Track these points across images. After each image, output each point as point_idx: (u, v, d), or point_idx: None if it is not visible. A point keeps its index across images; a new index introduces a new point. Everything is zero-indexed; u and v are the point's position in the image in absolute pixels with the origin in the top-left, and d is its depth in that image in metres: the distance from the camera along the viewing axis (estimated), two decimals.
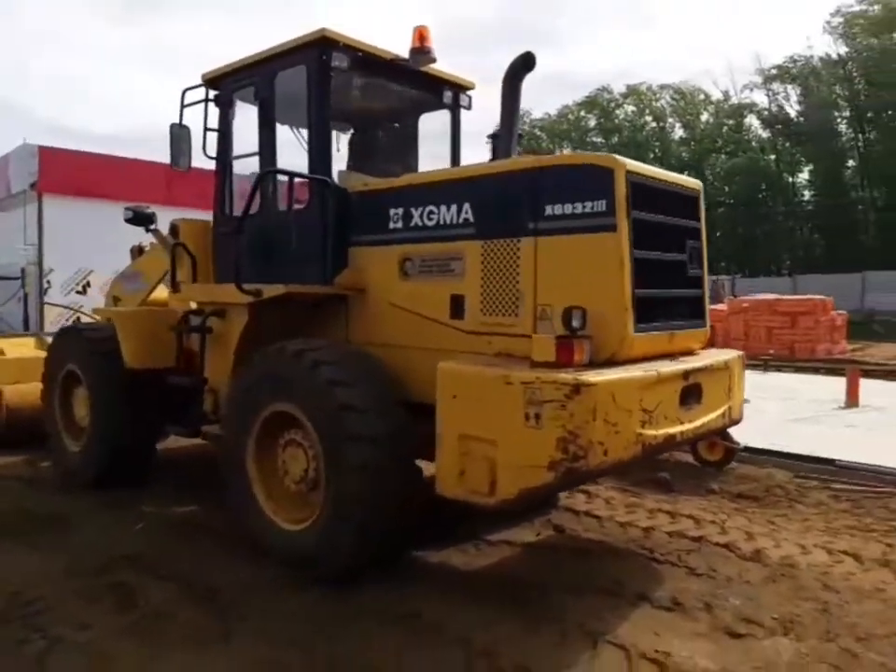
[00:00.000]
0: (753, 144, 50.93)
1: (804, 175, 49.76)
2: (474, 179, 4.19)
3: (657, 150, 54.77)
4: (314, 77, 4.75)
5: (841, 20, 45.44)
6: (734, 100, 52.70)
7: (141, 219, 5.84)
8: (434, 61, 5.00)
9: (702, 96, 54.15)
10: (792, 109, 48.18)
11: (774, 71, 46.91)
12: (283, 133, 5.42)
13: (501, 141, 4.59)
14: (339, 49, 4.69)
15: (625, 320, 3.61)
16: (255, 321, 4.88)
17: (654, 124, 56.04)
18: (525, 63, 4.48)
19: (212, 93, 5.57)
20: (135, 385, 5.84)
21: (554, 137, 58.23)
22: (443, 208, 4.29)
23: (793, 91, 47.64)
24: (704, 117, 54.74)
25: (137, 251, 7.09)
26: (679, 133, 55.56)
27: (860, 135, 45.09)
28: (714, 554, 4.47)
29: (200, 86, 5.57)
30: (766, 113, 49.50)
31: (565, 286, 3.75)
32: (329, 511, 4.00)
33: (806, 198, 49.57)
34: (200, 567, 4.33)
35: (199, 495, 5.93)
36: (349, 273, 4.80)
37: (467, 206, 4.17)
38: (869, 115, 45.16)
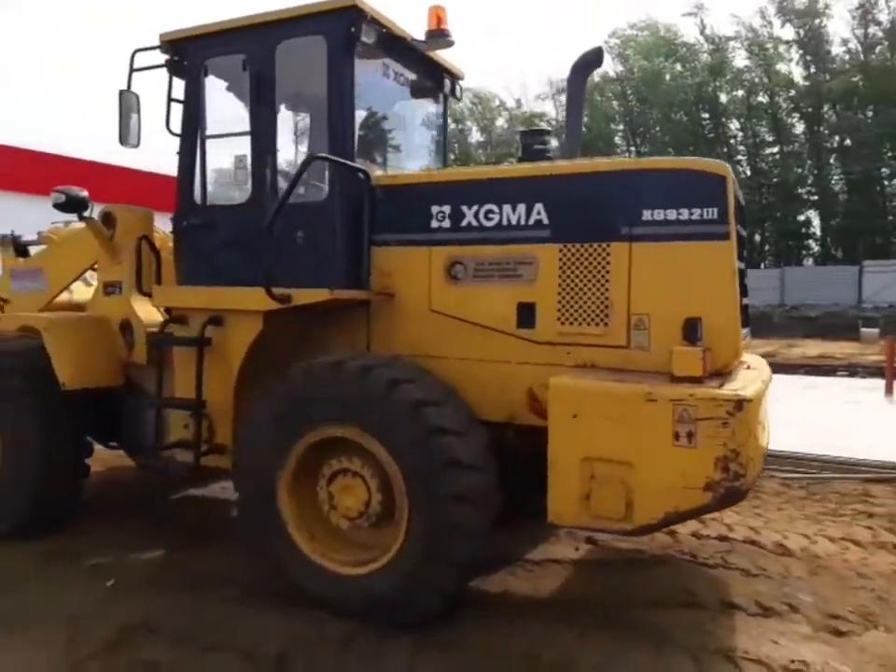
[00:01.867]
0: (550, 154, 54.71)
1: None
2: (550, 178, 3.89)
3: (457, 152, 56.73)
4: (337, 50, 4.11)
5: (617, 41, 50.53)
6: (525, 108, 56.29)
7: (75, 204, 4.70)
8: (452, 44, 4.60)
9: (497, 102, 57.06)
10: None
11: (564, 84, 50.61)
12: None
13: (568, 138, 4.34)
14: (368, 21, 4.11)
15: (738, 329, 3.56)
16: (266, 331, 4.14)
17: (454, 125, 57.91)
18: (595, 59, 4.27)
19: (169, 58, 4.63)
20: (63, 410, 4.75)
21: None
22: (507, 208, 3.93)
23: None
24: (499, 122, 57.77)
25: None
26: (476, 136, 58.12)
27: (632, 148, 50.37)
28: (749, 553, 4.63)
29: (155, 48, 4.61)
30: (555, 123, 53.39)
31: (665, 295, 3.61)
32: (414, 547, 3.50)
33: None
34: (245, 630, 3.59)
35: (155, 530, 5.01)
36: (374, 276, 4.25)
37: (539, 207, 3.86)
38: (640, 129, 50.78)
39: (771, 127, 48.45)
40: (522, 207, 3.90)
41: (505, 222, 3.94)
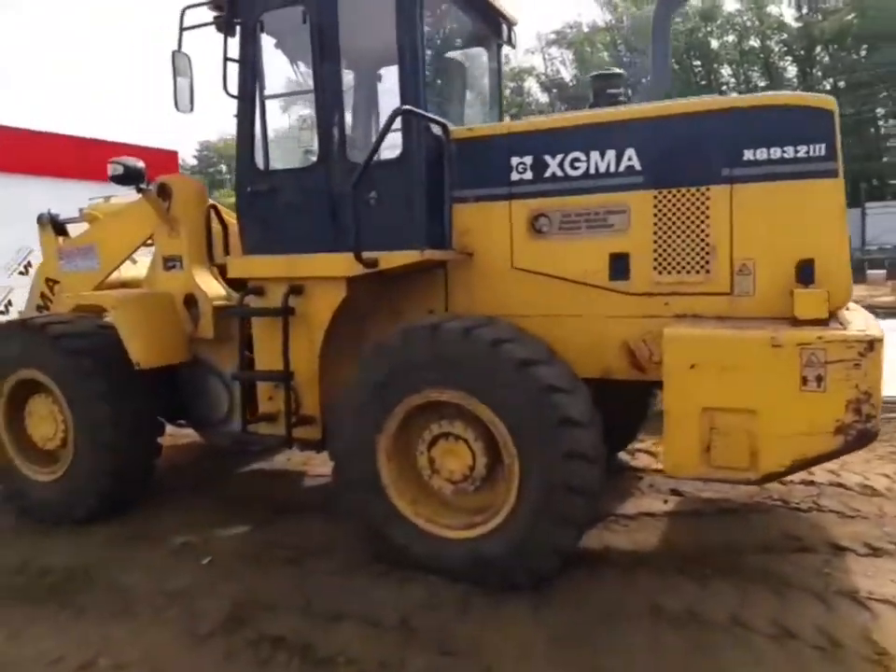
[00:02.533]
0: (533, 107, 53.84)
1: None
2: (641, 121, 3.73)
3: None
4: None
5: None
6: (514, 63, 55.20)
7: (133, 176, 4.52)
8: None
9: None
10: (568, 73, 51.62)
11: (553, 36, 49.71)
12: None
13: (654, 80, 4.17)
14: None
15: (849, 270, 3.45)
16: (351, 297, 4.03)
17: None
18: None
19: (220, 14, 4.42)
20: (135, 389, 4.65)
21: None
22: (595, 155, 3.79)
23: (568, 57, 50.97)
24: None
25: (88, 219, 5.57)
26: None
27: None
28: (837, 495, 4.61)
29: (204, 4, 4.39)
30: (544, 77, 52.52)
31: (772, 238, 3.49)
32: (528, 507, 3.44)
33: None
34: (359, 598, 3.56)
35: (230, 506, 4.97)
36: (461, 234, 4.12)
37: (630, 152, 3.72)
38: (631, 80, 49.93)
39: (763, 71, 47.79)
40: (611, 154, 3.75)
41: (593, 170, 3.80)
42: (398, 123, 3.99)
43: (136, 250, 5.16)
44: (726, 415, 3.22)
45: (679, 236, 3.66)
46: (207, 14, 4.47)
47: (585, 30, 49.25)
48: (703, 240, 3.62)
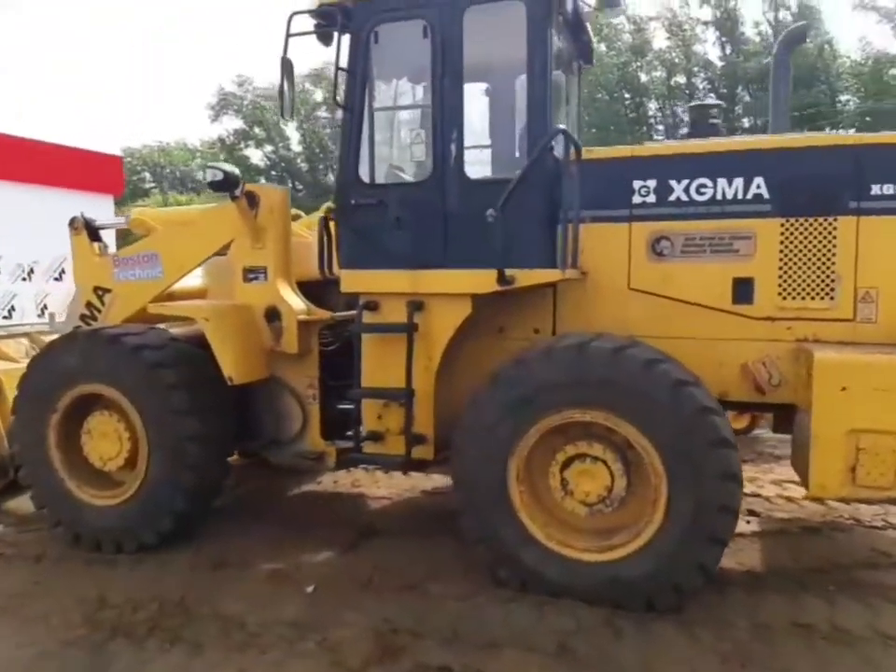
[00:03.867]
0: None
1: None
2: (771, 152, 3.87)
3: None
4: (539, 17, 3.93)
5: None
6: None
7: (231, 182, 4.30)
8: (624, 12, 4.49)
9: None
10: None
11: None
12: None
13: (774, 115, 4.32)
14: None
15: None
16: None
17: None
18: (801, 36, 4.26)
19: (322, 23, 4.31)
20: (214, 403, 4.43)
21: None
22: (722, 182, 3.90)
23: None
24: None
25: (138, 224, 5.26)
26: None
27: None
28: None
29: (312, 11, 4.27)
30: None
31: (892, 268, 3.69)
32: (676, 527, 3.46)
33: None
34: (504, 623, 3.49)
35: (303, 528, 4.80)
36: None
37: (759, 181, 3.84)
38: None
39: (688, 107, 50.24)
40: (739, 181, 3.87)
41: (720, 196, 3.91)
42: (508, 141, 4.01)
43: (206, 260, 4.91)
44: (874, 437, 3.35)
45: (804, 263, 3.81)
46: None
47: None
48: (829, 268, 3.77)
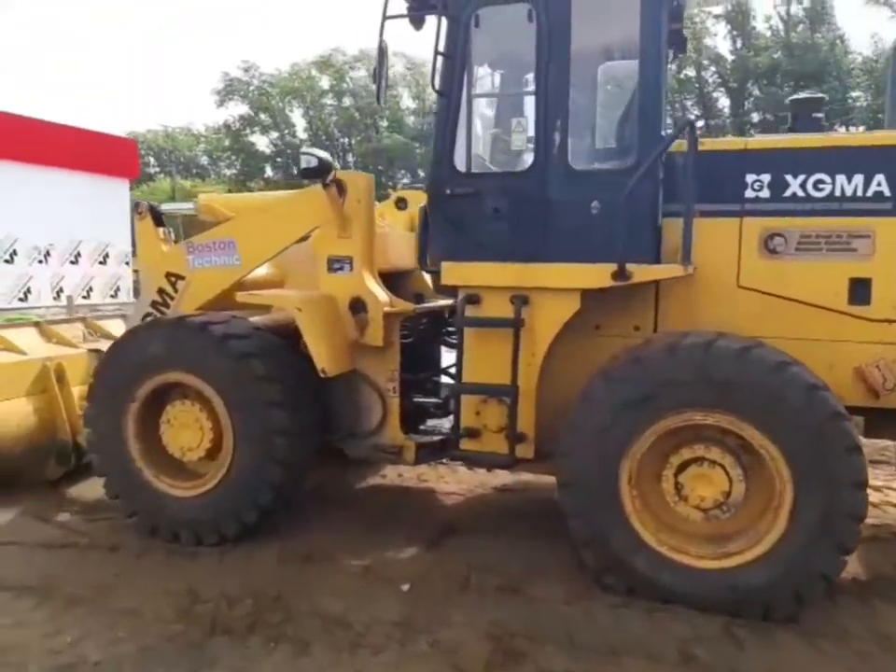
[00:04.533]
0: None
1: None
2: (894, 148, 3.75)
3: (389, 118, 55.61)
4: (651, 6, 3.79)
5: None
6: None
7: (326, 170, 4.16)
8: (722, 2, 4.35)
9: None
10: None
11: None
12: None
13: (890, 120, 4.20)
14: None
15: None
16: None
17: (386, 92, 56.46)
18: None
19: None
20: (303, 395, 4.33)
21: (286, 95, 55.57)
22: (841, 178, 3.77)
23: None
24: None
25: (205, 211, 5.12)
26: (408, 102, 56.98)
27: None
28: None
29: None
30: None
31: None
32: (802, 534, 3.37)
33: None
34: (616, 630, 3.40)
35: (385, 522, 4.74)
36: (667, 249, 4.01)
37: (880, 178, 3.72)
38: None
39: (698, 101, 49.95)
40: (859, 178, 3.75)
41: (838, 193, 3.78)
42: (627, 129, 3.88)
43: (287, 248, 4.77)
44: None
45: None
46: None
47: None
48: None
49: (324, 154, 4.18)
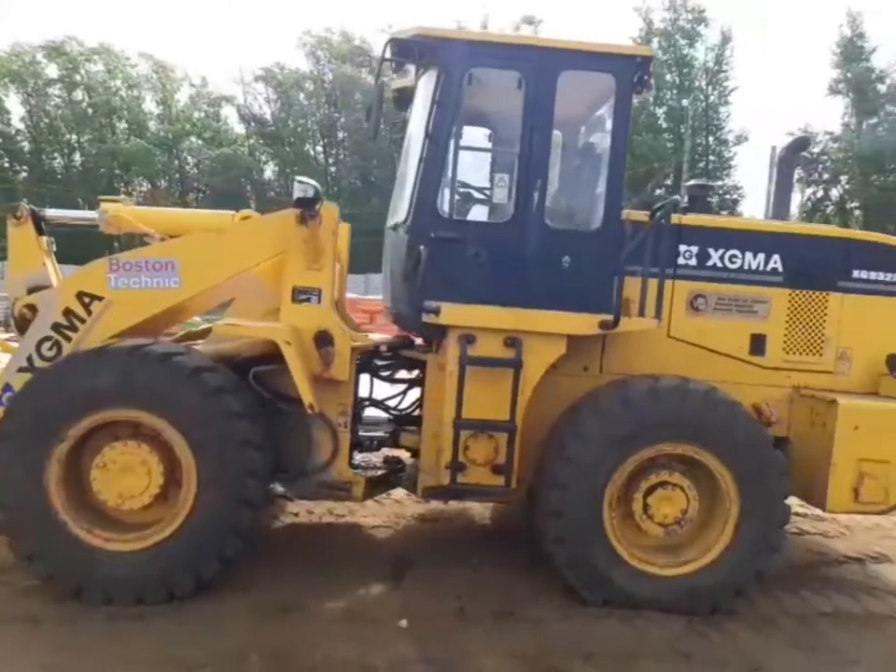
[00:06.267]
0: (230, 135, 52.50)
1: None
2: (787, 236, 4.77)
3: (128, 120, 51.26)
4: (624, 94, 4.39)
5: (312, 39, 50.82)
6: (211, 87, 53.43)
7: (317, 199, 4.02)
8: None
9: (181, 75, 53.03)
10: (269, 111, 51.51)
11: (261, 72, 49.33)
12: None
13: (776, 208, 5.20)
14: (649, 70, 4.47)
15: None
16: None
17: (127, 92, 52.12)
18: (800, 147, 5.20)
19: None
20: (268, 432, 4.16)
21: (2, 77, 48.23)
22: (748, 254, 4.71)
23: (272, 95, 50.96)
24: (181, 97, 53.74)
25: None
26: (151, 107, 53.10)
27: (327, 149, 51.37)
28: None
29: (409, 40, 4.26)
30: (246, 110, 51.71)
31: (862, 334, 4.80)
32: (744, 542, 4.13)
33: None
34: (652, 643, 3.85)
35: (337, 562, 4.59)
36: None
37: (776, 257, 4.72)
38: (329, 136, 51.75)
39: None
40: (762, 256, 4.72)
41: (747, 266, 4.72)
42: (598, 197, 4.46)
43: (239, 274, 4.47)
44: (872, 465, 4.34)
45: (804, 326, 4.76)
46: None
47: (290, 75, 49.91)
48: (820, 331, 4.77)
49: (315, 183, 4.09)
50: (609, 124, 4.45)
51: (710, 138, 45.90)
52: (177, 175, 51.40)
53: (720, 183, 43.10)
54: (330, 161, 51.19)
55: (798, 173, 39.74)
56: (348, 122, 49.68)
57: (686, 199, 5.27)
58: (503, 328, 4.21)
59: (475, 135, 5.00)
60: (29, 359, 4.31)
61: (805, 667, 3.71)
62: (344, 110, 49.55)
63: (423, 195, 4.34)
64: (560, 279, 4.37)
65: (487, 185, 4.82)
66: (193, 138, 51.54)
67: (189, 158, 51.01)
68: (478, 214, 4.83)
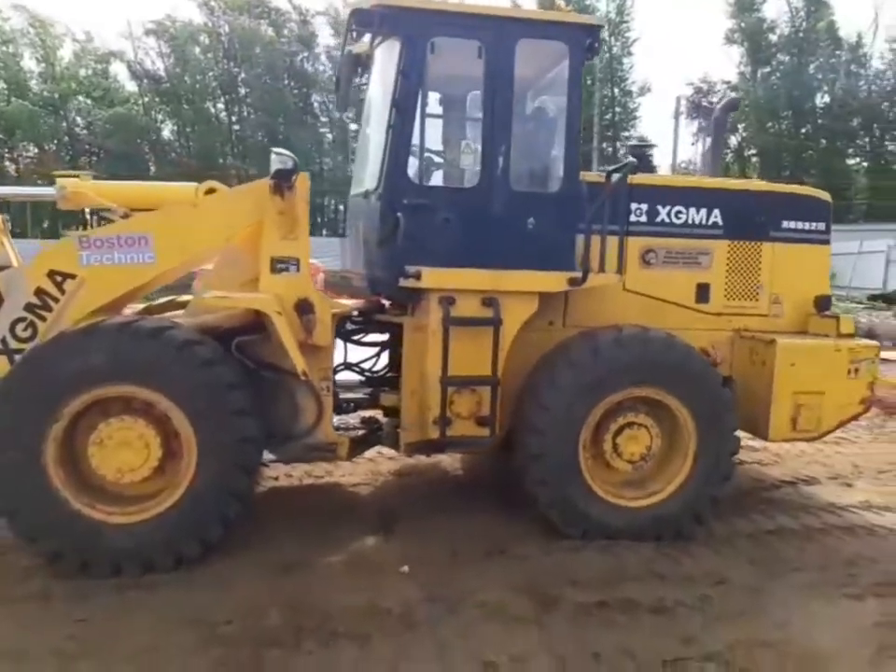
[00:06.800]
0: (123, 93, 49.54)
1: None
2: (725, 191, 5.21)
3: (6, 80, 47.42)
4: (577, 61, 4.64)
5: None
6: (97, 43, 50.04)
7: (295, 171, 4.08)
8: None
9: (62, 30, 49.31)
10: (163, 67, 48.77)
11: (151, 25, 46.52)
12: None
13: (710, 165, 5.60)
14: (598, 37, 4.72)
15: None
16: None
17: (2, 48, 48.04)
18: (732, 107, 5.59)
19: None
20: (258, 399, 4.30)
21: None
22: (692, 210, 5.13)
23: (165, 49, 48.21)
24: (64, 53, 50.06)
25: None
26: (31, 65, 49.25)
27: (229, 106, 49.32)
28: None
29: (371, 10, 4.34)
30: (138, 66, 48.78)
31: (791, 279, 5.34)
32: (701, 471, 4.61)
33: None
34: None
35: (331, 518, 4.81)
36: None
37: (717, 212, 5.16)
38: (242, 91, 49.67)
39: None
40: (704, 211, 5.15)
41: (691, 221, 5.14)
42: (557, 160, 4.74)
43: (214, 246, 4.51)
44: (807, 396, 4.91)
45: (742, 274, 5.26)
46: None
47: (185, 28, 47.30)
48: (756, 278, 5.28)
49: (293, 155, 4.16)
50: (563, 89, 4.69)
51: (615, 90, 47.10)
52: (66, 138, 48.14)
53: (626, 134, 44.54)
54: (234, 118, 49.24)
55: (699, 123, 41.54)
56: (250, 77, 47.92)
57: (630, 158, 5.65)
58: (482, 288, 4.47)
59: (441, 103, 5.14)
60: (3, 341, 4.25)
61: (760, 577, 4.22)
62: (245, 65, 47.69)
63: (393, 163, 4.48)
64: (527, 240, 4.64)
65: (456, 152, 4.98)
66: (81, 97, 48.36)
67: (78, 119, 47.88)
68: (448, 180, 5.00)
